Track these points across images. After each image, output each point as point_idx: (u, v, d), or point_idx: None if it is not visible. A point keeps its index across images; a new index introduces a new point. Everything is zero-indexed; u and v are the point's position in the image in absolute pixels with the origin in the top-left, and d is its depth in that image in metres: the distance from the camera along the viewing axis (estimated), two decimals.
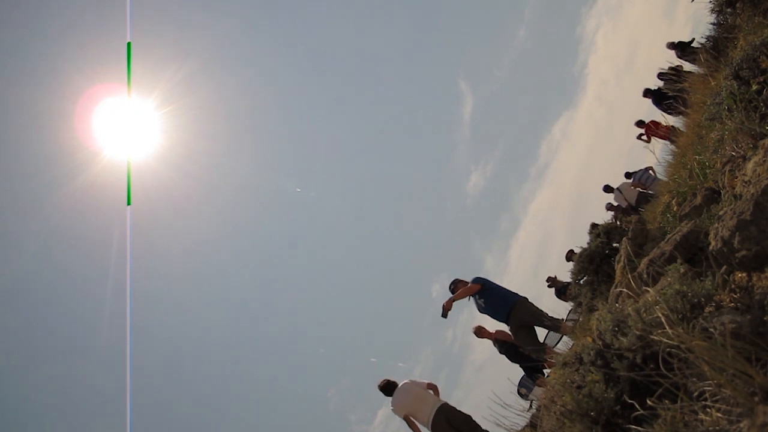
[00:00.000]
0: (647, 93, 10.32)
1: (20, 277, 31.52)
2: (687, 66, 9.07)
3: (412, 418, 5.37)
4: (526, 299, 5.93)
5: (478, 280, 6.10)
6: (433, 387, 5.59)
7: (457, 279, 6.32)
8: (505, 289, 6.04)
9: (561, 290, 10.12)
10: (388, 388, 5.64)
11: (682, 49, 9.55)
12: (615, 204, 11.30)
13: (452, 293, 6.10)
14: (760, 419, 1.40)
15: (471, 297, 6.08)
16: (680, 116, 7.75)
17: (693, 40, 9.39)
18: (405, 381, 5.64)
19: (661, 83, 9.88)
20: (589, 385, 2.20)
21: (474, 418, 5.25)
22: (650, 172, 10.39)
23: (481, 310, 6.05)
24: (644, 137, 10.96)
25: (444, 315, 5.90)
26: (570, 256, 9.88)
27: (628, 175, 11.10)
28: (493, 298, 5.94)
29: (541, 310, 5.88)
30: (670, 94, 8.04)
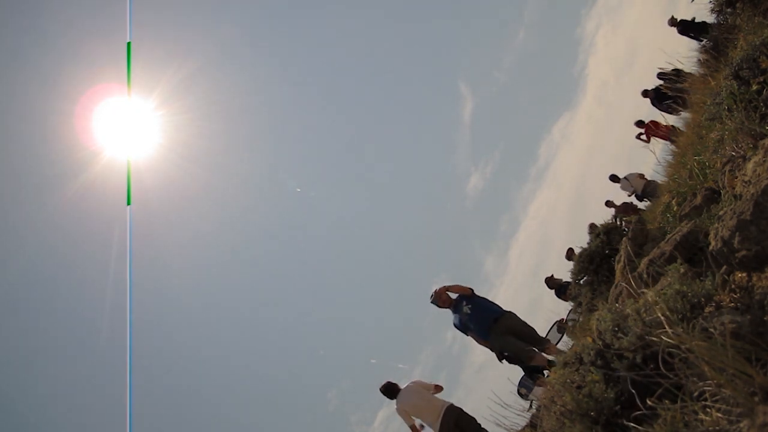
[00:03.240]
0: (646, 93, 10.33)
1: (20, 276, 31.53)
2: (686, 43, 9.13)
3: (413, 417, 5.39)
4: (514, 313, 5.76)
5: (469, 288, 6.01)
6: (439, 389, 5.62)
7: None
8: (493, 302, 5.92)
9: (561, 290, 10.11)
10: (390, 390, 5.65)
11: (683, 26, 9.56)
12: (617, 203, 11.33)
13: (434, 303, 5.99)
14: (760, 419, 1.40)
15: (453, 309, 5.92)
16: (680, 116, 7.77)
17: (694, 18, 9.42)
18: (411, 382, 5.65)
19: (660, 83, 9.90)
20: (589, 385, 2.21)
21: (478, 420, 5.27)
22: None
23: (464, 318, 5.80)
24: (643, 137, 10.97)
25: (434, 301, 5.92)
26: (570, 254, 9.88)
27: (614, 178, 11.19)
28: (481, 306, 5.80)
29: (529, 325, 5.69)
30: (669, 93, 8.04)
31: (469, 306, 5.79)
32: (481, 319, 5.67)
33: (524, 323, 5.66)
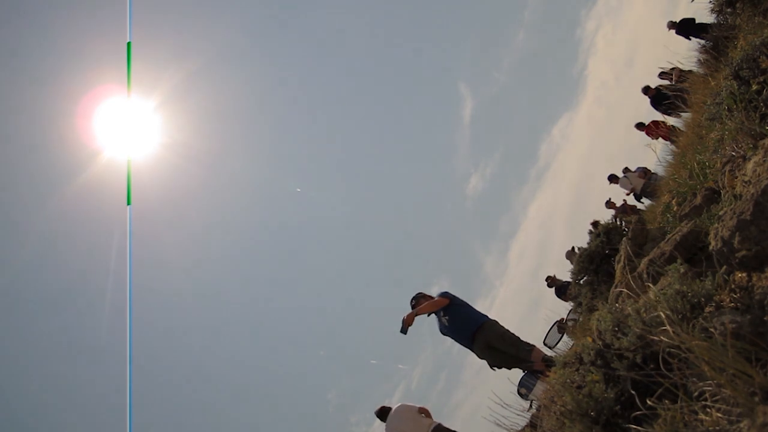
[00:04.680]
0: (647, 90, 10.29)
1: (20, 276, 31.56)
2: (686, 43, 9.14)
3: None
4: (496, 321, 5.42)
5: (446, 295, 5.52)
6: (425, 411, 5.50)
7: (420, 293, 5.74)
8: (473, 308, 5.52)
9: (561, 289, 10.13)
10: (383, 413, 5.61)
11: (683, 25, 9.56)
12: (617, 203, 11.33)
13: (413, 308, 5.52)
14: (760, 419, 1.40)
15: (435, 314, 5.54)
16: (679, 117, 7.77)
17: (693, 19, 9.43)
18: (398, 405, 5.59)
19: (662, 83, 9.89)
20: (589, 385, 2.21)
21: None
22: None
23: (444, 329, 5.51)
24: (652, 138, 10.96)
25: (403, 330, 5.30)
26: (569, 255, 9.89)
27: (613, 178, 11.19)
28: (459, 316, 5.40)
29: (512, 333, 5.34)
30: (670, 93, 8.04)
31: (447, 317, 5.45)
32: (460, 330, 5.40)
33: (505, 332, 5.33)
